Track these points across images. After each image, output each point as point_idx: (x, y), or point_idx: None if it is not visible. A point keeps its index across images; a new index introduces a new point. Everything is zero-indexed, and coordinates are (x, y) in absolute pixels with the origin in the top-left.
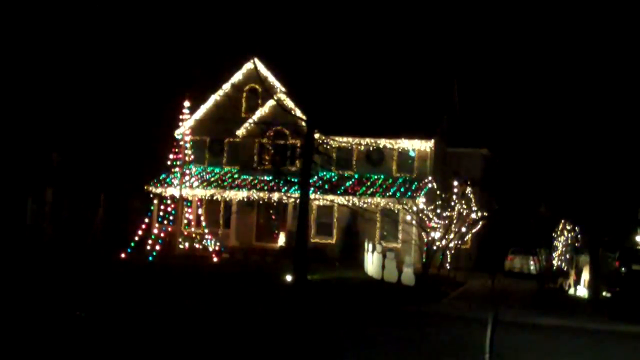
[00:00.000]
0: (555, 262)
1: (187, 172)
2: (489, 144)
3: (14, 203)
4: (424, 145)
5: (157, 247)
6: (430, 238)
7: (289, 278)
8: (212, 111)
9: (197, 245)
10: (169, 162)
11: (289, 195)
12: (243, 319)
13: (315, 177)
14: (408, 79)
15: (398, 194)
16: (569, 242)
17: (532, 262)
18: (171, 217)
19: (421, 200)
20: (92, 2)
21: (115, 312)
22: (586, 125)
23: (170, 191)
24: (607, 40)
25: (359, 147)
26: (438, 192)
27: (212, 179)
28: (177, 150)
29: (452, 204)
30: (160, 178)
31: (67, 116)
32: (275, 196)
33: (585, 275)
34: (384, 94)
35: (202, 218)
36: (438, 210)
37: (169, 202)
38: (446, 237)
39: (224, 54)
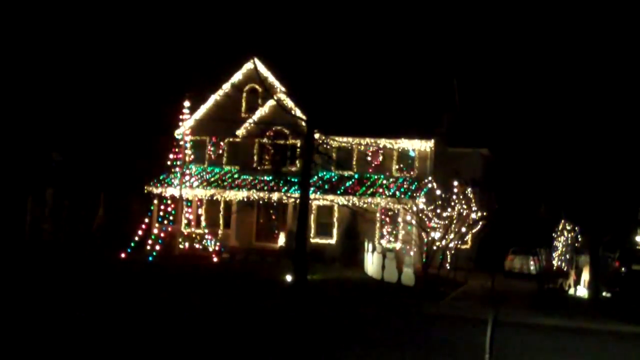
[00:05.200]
0: (555, 262)
1: (187, 172)
2: (489, 144)
3: (14, 203)
4: (424, 145)
5: (157, 247)
6: (430, 238)
7: (289, 278)
8: (212, 111)
9: (197, 245)
10: (169, 162)
11: (289, 195)
12: (243, 319)
13: (315, 177)
14: (408, 78)
15: (398, 194)
16: (569, 242)
17: (532, 262)
18: (171, 217)
19: (421, 200)
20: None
21: (115, 312)
22: (586, 125)
23: (170, 191)
24: (607, 40)
25: (359, 147)
26: (438, 192)
27: (212, 179)
28: (177, 150)
29: (452, 204)
30: (160, 178)
31: (68, 116)
32: (275, 196)
33: (585, 275)
34: (383, 93)
35: (202, 218)
36: (438, 210)
37: (169, 202)
38: (446, 237)
39: (224, 54)
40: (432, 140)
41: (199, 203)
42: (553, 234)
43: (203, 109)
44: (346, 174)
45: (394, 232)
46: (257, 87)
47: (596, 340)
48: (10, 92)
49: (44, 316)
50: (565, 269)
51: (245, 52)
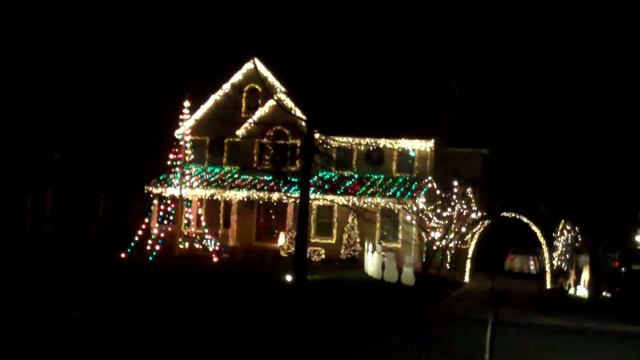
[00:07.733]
0: (555, 262)
1: (187, 172)
2: (489, 144)
3: (14, 203)
4: (424, 145)
5: (157, 247)
6: (430, 238)
7: (288, 278)
8: (212, 111)
9: (197, 245)
10: (169, 162)
11: (289, 195)
12: (243, 319)
13: (315, 177)
14: (408, 79)
15: (398, 194)
16: (569, 242)
17: (532, 262)
18: (171, 217)
19: (421, 200)
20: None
21: (115, 312)
22: (586, 125)
23: (170, 191)
24: (607, 40)
25: (359, 147)
26: (438, 192)
27: (212, 179)
28: (177, 150)
29: (452, 204)
30: (160, 178)
31: (68, 116)
32: (275, 196)
33: (585, 275)
34: (383, 93)
35: (202, 218)
36: (438, 210)
37: (169, 202)
38: (446, 237)
39: (224, 54)
40: (432, 140)
41: (199, 203)
42: (553, 234)
43: (203, 109)
44: (346, 174)
45: (394, 232)
46: (257, 87)
47: (596, 340)
48: (11, 92)
49: (44, 316)
50: (565, 269)
51: (245, 52)
